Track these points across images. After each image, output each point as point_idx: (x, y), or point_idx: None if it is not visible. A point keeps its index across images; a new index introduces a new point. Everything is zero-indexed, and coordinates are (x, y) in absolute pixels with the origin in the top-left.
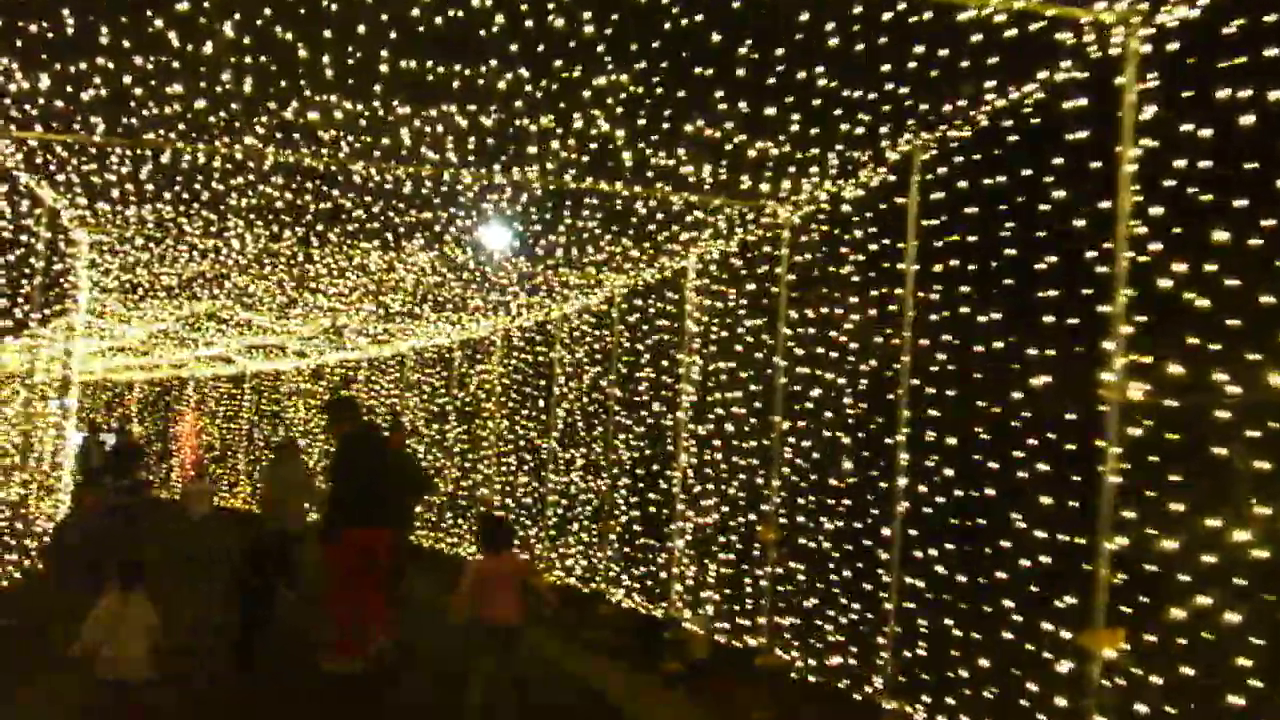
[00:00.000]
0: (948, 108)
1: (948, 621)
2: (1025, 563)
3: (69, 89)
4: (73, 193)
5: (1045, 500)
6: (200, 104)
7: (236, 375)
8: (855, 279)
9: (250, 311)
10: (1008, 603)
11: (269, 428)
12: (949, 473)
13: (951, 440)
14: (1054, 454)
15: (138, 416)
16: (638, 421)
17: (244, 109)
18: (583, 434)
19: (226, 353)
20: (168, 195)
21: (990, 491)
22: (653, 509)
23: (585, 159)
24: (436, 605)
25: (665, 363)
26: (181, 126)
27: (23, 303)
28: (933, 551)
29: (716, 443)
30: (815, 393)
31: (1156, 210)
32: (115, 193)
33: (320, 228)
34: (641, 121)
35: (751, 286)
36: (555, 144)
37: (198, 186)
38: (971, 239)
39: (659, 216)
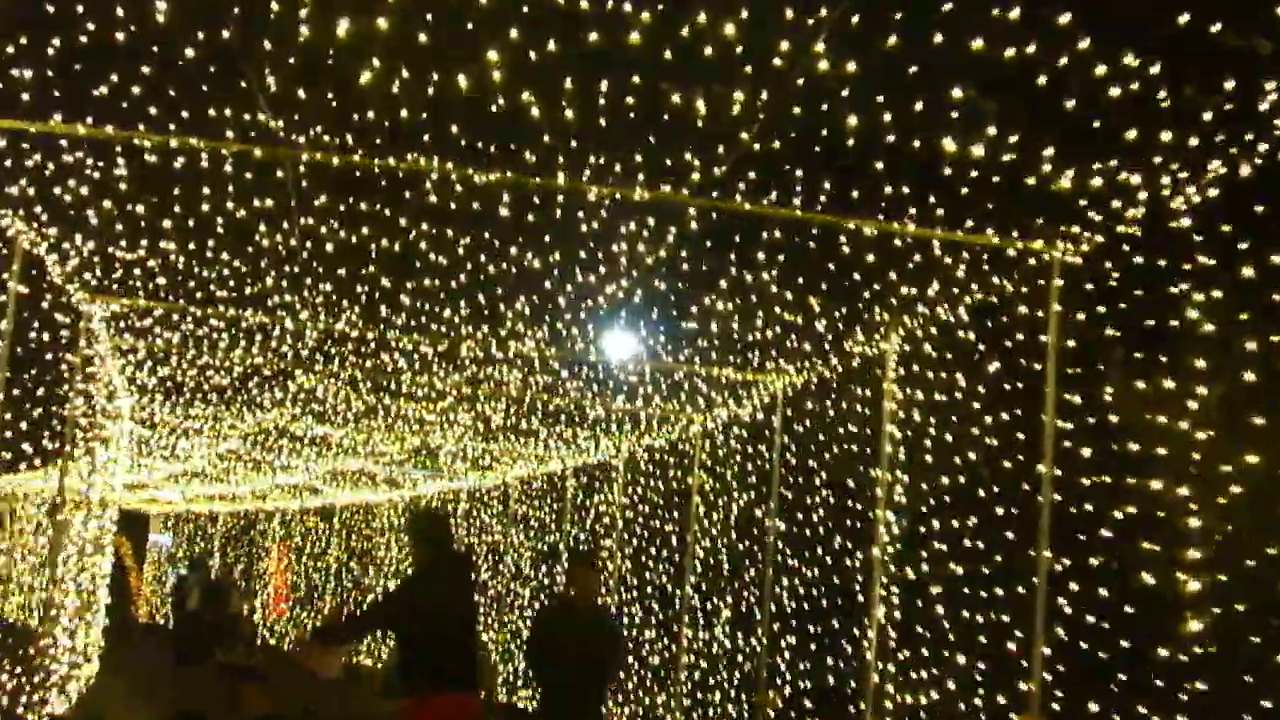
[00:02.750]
0: None
1: None
2: None
3: None
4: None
5: None
6: None
7: (324, 508)
8: None
9: (324, 424)
10: None
11: (358, 568)
12: None
13: None
14: None
15: (220, 551)
16: (808, 561)
17: None
18: (730, 578)
19: (309, 481)
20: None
21: None
22: (832, 678)
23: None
24: None
25: (850, 482)
26: None
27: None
28: None
29: (935, 589)
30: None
31: None
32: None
33: (396, 301)
34: None
35: (996, 366)
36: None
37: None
38: None
39: (854, 277)
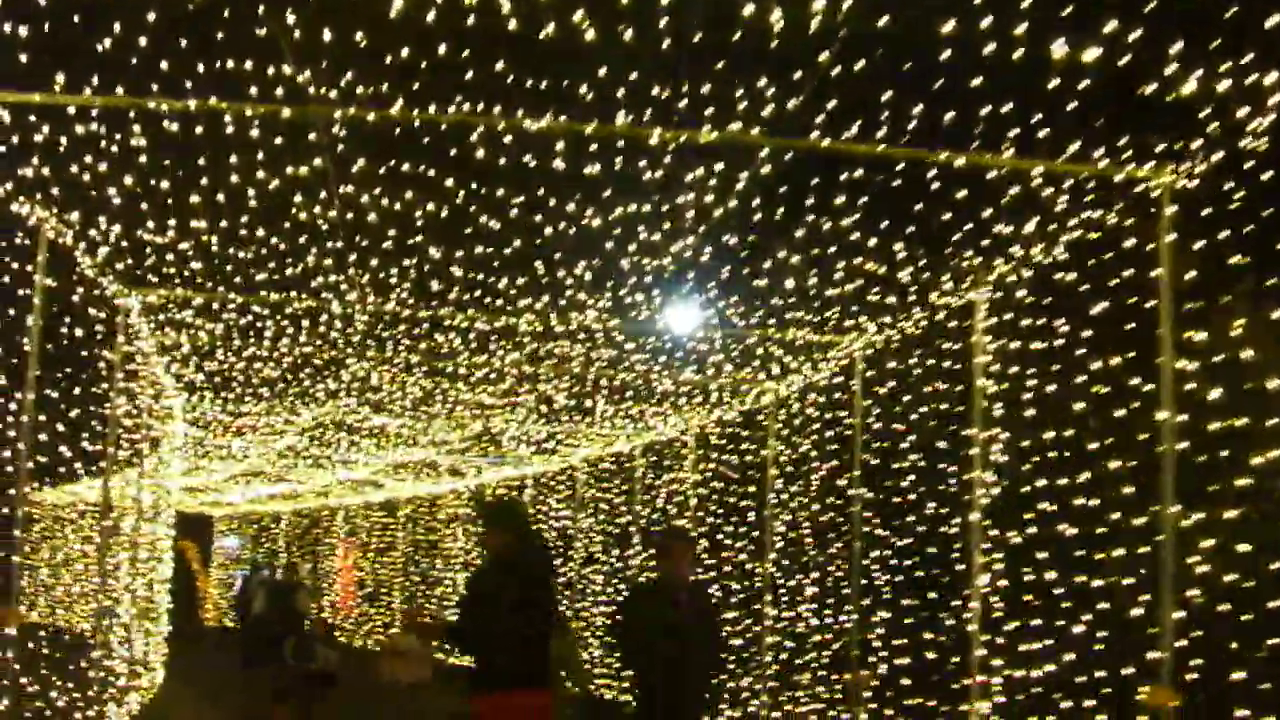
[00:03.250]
0: None
1: None
2: None
3: None
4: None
5: None
6: None
7: (388, 503)
8: None
9: (381, 414)
10: None
11: (426, 561)
12: None
13: None
14: None
15: (285, 550)
16: (899, 530)
17: None
18: (814, 553)
19: (371, 475)
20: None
21: None
22: (931, 654)
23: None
24: None
25: (942, 444)
26: None
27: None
28: None
29: (1044, 554)
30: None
31: None
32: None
33: (447, 274)
34: None
35: (1102, 306)
36: None
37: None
38: None
39: (942, 219)
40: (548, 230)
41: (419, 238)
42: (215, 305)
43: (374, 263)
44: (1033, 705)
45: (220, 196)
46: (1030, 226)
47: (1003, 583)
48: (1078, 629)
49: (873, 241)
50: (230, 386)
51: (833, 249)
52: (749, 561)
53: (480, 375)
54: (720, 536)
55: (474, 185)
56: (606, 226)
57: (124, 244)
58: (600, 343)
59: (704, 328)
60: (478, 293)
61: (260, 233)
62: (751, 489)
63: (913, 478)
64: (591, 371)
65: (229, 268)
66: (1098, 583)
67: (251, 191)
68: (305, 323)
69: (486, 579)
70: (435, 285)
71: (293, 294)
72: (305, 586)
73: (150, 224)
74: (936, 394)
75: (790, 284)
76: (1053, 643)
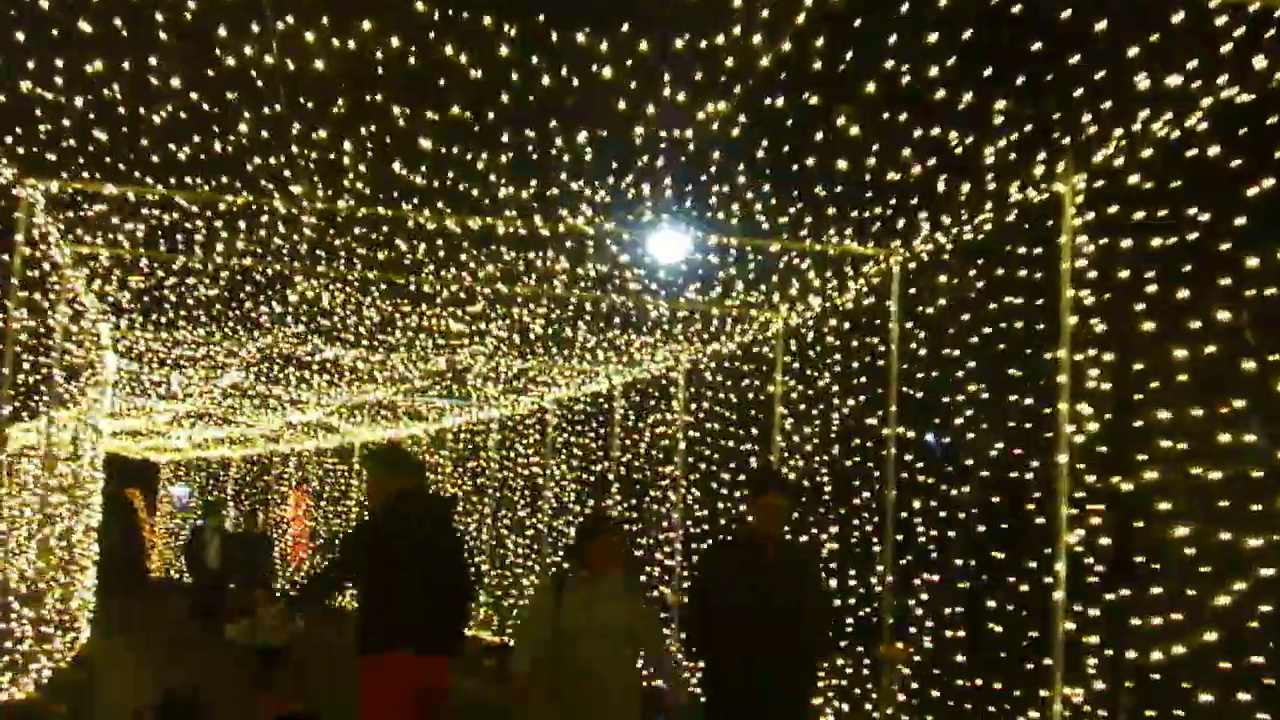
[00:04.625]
0: None
1: None
2: None
3: None
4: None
5: None
6: None
7: (342, 448)
8: None
9: (333, 345)
10: None
11: None
12: None
13: None
14: None
15: (233, 500)
16: (952, 477)
17: None
18: (832, 502)
19: (323, 418)
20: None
21: None
22: (996, 625)
23: None
24: None
25: (1016, 370)
26: None
27: None
28: None
29: (1164, 504)
30: None
31: None
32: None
33: (412, 149)
34: None
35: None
36: None
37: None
38: None
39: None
40: (543, 79)
41: (377, 95)
42: (132, 198)
43: (322, 133)
44: (1150, 694)
45: (122, 28)
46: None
47: (1104, 540)
48: (1222, 599)
49: (968, 98)
50: (161, 308)
51: (904, 114)
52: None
53: (447, 295)
54: (715, 485)
55: (450, 10)
56: (620, 78)
57: (13, 112)
58: (590, 254)
59: (716, 232)
60: (449, 178)
61: (175, 84)
62: (754, 430)
63: (970, 412)
64: (575, 293)
65: (143, 143)
66: (1254, 541)
67: (164, 25)
68: (242, 224)
69: (373, 529)
70: (398, 167)
71: (224, 182)
72: (268, 538)
73: (34, 77)
74: (1006, 309)
75: (844, 164)
76: (1181, 617)
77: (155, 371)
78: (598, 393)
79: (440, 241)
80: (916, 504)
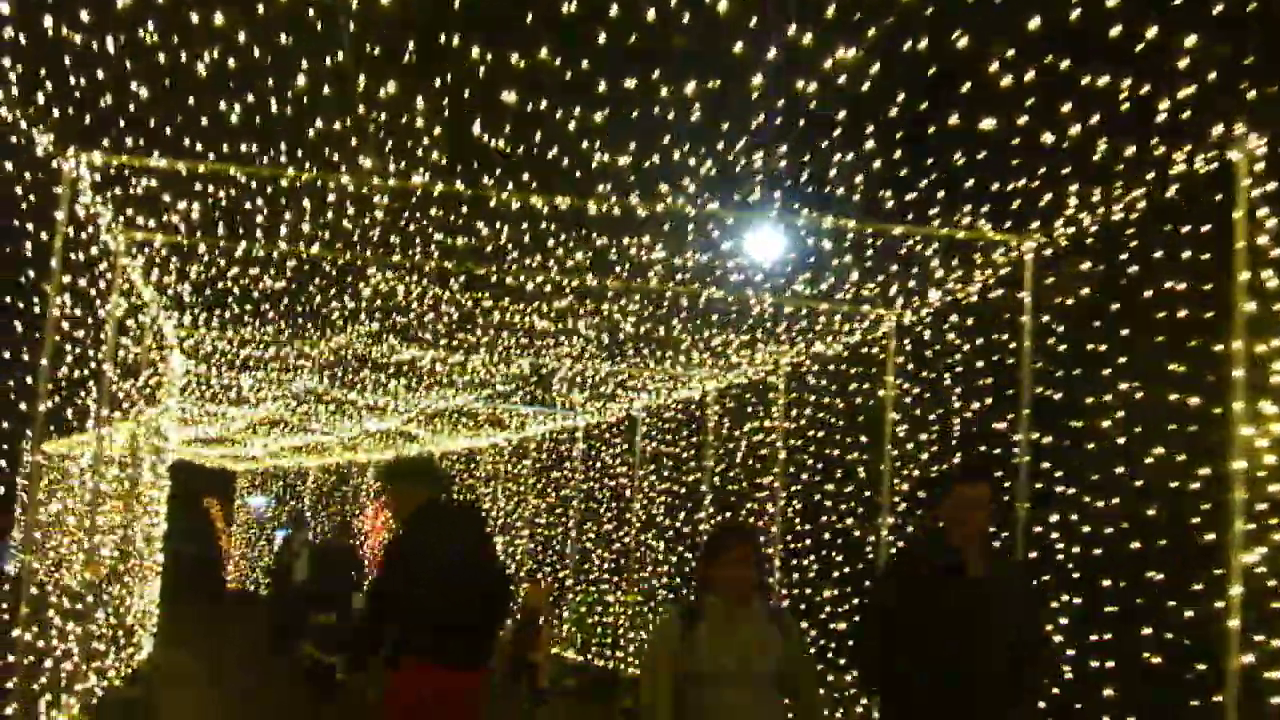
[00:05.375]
0: None
1: None
2: None
3: None
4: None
5: None
6: None
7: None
8: None
9: (409, 344)
10: None
11: None
12: None
13: None
14: None
15: (311, 510)
16: (1096, 488)
17: None
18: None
19: (401, 425)
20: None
21: None
22: (1153, 657)
23: None
24: None
25: (1177, 366)
26: None
27: None
28: None
29: None
30: None
31: None
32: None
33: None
34: None
35: None
36: None
37: None
38: None
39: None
40: (648, 12)
41: (454, 37)
42: (183, 170)
43: (391, 87)
44: None
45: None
46: None
47: None
48: None
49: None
50: (225, 303)
51: (1068, 60)
52: (856, 528)
53: (531, 288)
54: (819, 498)
55: None
56: (737, 9)
57: (45, 69)
58: (689, 240)
59: (833, 213)
60: (536, 140)
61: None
62: (862, 438)
63: (1122, 413)
64: (670, 286)
65: (190, 102)
66: None
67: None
68: (306, 202)
69: (402, 543)
70: (476, 129)
71: (284, 157)
72: (358, 552)
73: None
74: (1167, 296)
75: (990, 122)
76: None
77: (224, 375)
78: (690, 398)
79: (525, 226)
80: (1054, 518)
